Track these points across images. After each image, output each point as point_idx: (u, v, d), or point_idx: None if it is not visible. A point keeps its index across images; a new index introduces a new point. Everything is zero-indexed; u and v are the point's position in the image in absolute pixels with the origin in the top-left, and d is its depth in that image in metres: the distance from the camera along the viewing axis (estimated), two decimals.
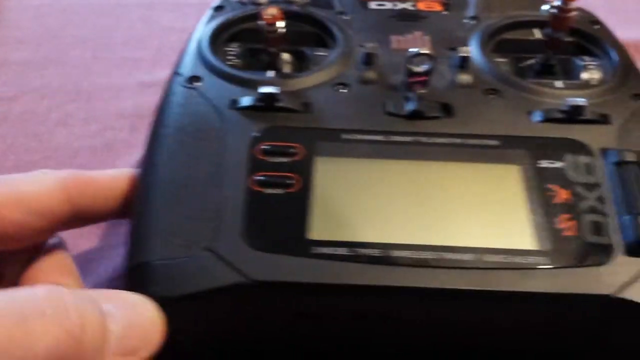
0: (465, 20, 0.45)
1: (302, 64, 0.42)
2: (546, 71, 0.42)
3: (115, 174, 0.34)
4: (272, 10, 0.35)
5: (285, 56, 0.42)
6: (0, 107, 0.55)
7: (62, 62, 0.60)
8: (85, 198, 0.32)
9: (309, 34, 0.43)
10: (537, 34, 0.44)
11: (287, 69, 0.41)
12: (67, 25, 0.65)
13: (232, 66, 0.40)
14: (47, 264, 0.32)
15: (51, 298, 0.24)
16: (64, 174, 0.32)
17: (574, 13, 0.39)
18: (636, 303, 0.29)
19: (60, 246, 0.34)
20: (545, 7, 0.41)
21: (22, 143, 0.51)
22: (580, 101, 0.35)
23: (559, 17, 0.39)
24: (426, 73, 0.37)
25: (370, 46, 0.39)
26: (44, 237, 0.32)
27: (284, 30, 0.38)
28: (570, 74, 0.42)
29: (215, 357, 0.34)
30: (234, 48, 0.42)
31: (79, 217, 0.32)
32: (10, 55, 0.60)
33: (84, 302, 0.25)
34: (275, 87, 0.36)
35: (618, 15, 0.66)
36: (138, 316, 0.27)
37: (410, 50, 0.37)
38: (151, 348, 0.27)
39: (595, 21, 0.45)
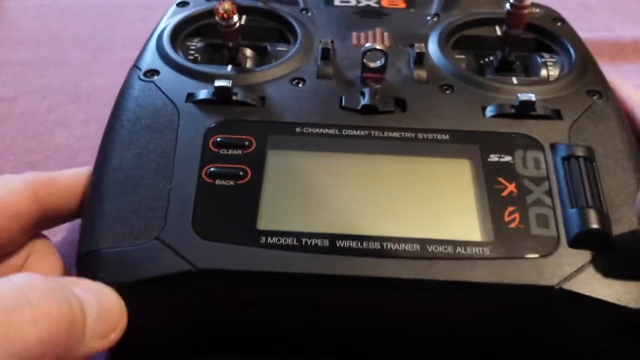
0: (427, 18, 0.45)
1: (264, 59, 0.42)
2: (506, 68, 0.43)
3: (77, 173, 0.34)
4: (225, 6, 0.36)
5: (248, 51, 0.42)
6: (0, 107, 0.55)
7: (62, 62, 0.60)
8: (52, 197, 0.32)
9: (272, 30, 0.44)
10: (499, 31, 0.44)
11: (249, 63, 0.42)
12: (66, 26, 0.65)
13: (192, 60, 0.40)
14: (36, 267, 0.33)
15: (32, 285, 0.24)
16: (28, 176, 0.32)
17: (528, 10, 0.39)
18: (580, 294, 0.30)
19: (49, 249, 0.34)
20: (507, 5, 0.41)
21: (22, 143, 0.52)
22: (531, 96, 0.36)
23: (514, 15, 0.39)
24: (381, 68, 0.38)
25: (326, 41, 0.40)
26: (16, 241, 0.32)
27: (238, 25, 0.38)
28: (530, 70, 0.43)
29: (166, 345, 0.34)
30: (195, 43, 0.42)
31: (47, 218, 0.33)
32: (10, 56, 0.61)
33: (66, 288, 0.25)
34: (230, 81, 0.36)
35: (618, 15, 0.67)
36: (106, 301, 0.28)
37: (365, 45, 0.38)
38: (120, 331, 0.28)
39: (557, 18, 0.46)
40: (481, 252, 0.31)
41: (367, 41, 0.42)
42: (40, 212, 0.32)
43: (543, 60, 0.42)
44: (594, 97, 0.38)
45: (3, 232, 0.30)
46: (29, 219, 0.31)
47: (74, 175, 0.34)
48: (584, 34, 0.45)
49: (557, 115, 0.37)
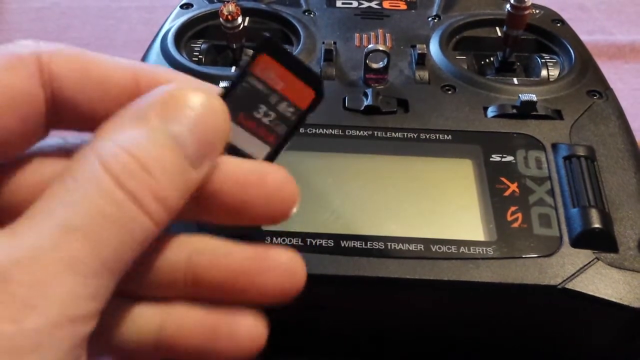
0: (428, 19, 0.46)
1: None
2: (506, 68, 0.43)
3: (122, 64, 0.22)
4: (229, 7, 0.36)
5: (251, 53, 0.42)
6: None
7: None
8: (70, 82, 0.21)
9: (275, 31, 0.44)
10: (500, 32, 0.45)
11: None
12: (67, 28, 0.65)
13: (196, 62, 0.40)
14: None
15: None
16: (37, 47, 0.21)
17: (528, 11, 0.39)
18: (582, 294, 0.30)
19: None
20: (508, 6, 0.42)
21: None
22: (532, 97, 0.36)
23: (514, 15, 0.40)
24: (383, 69, 0.38)
25: (328, 43, 0.40)
26: (20, 139, 0.21)
27: (242, 27, 0.38)
28: (530, 71, 0.43)
29: None
30: (200, 45, 0.43)
31: (62, 114, 0.21)
32: None
33: None
34: None
35: (614, 16, 0.68)
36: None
37: (368, 47, 0.38)
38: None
39: (557, 19, 0.46)
40: (484, 251, 0.31)
41: (369, 42, 0.43)
42: (52, 102, 0.21)
43: (543, 60, 0.43)
44: (594, 97, 0.39)
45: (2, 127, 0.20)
46: (36, 109, 0.21)
47: (116, 66, 0.21)
48: (580, 35, 0.45)
49: (558, 115, 0.37)
